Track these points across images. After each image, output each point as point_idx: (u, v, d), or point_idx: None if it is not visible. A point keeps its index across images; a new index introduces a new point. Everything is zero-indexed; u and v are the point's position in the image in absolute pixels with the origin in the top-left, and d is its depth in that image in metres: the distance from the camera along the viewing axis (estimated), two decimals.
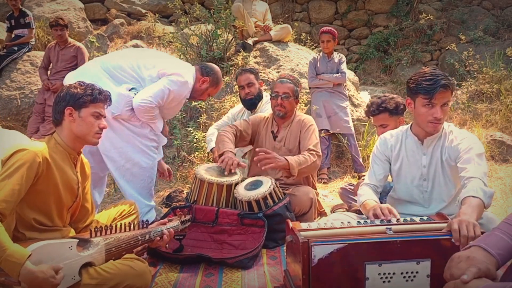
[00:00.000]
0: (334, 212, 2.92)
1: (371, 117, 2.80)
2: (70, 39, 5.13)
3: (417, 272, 1.58)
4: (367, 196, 2.06)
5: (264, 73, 4.68)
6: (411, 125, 2.14)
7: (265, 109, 3.34)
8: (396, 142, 2.16)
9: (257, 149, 2.59)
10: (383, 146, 2.20)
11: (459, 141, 1.98)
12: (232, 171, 2.62)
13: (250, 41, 4.92)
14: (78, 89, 1.85)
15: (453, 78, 2.03)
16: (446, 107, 1.95)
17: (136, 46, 6.37)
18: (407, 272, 1.58)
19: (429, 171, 2.07)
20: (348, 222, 1.78)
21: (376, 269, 1.56)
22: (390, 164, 2.19)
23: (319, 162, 2.73)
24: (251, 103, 3.39)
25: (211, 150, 3.32)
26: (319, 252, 1.55)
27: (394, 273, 1.57)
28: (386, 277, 1.57)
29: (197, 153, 3.87)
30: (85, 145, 1.95)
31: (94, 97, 1.86)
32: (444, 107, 1.93)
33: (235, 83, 4.44)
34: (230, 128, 2.89)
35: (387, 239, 1.60)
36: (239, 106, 3.59)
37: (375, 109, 2.69)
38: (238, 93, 3.59)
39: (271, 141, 2.90)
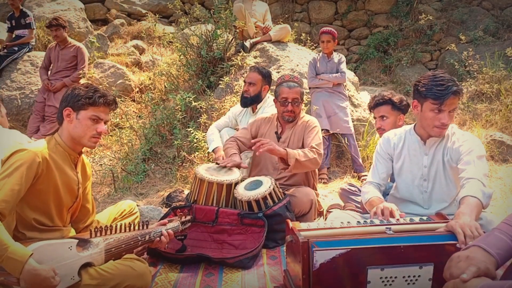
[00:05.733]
0: (329, 211, 2.93)
1: (373, 111, 2.84)
2: (70, 39, 5.14)
3: (419, 276, 1.57)
4: (372, 193, 2.08)
5: None
6: (414, 125, 2.14)
7: (266, 111, 3.35)
8: (399, 141, 2.17)
9: (252, 141, 2.62)
10: (386, 144, 2.21)
11: (461, 143, 1.98)
12: (230, 164, 2.70)
13: (247, 42, 4.93)
14: (81, 91, 1.83)
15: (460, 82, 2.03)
16: (453, 113, 1.96)
17: (136, 46, 6.38)
18: (409, 276, 1.57)
19: (430, 171, 2.08)
20: (348, 222, 1.78)
21: (378, 273, 1.55)
22: (393, 162, 2.20)
23: (319, 160, 2.72)
24: (244, 101, 3.44)
25: (213, 150, 3.32)
26: (321, 256, 1.54)
27: (396, 277, 1.56)
28: (388, 281, 1.56)
29: (197, 153, 3.87)
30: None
31: (94, 100, 1.82)
32: (451, 113, 1.94)
33: (235, 83, 4.46)
34: (232, 142, 2.94)
35: (390, 244, 1.58)
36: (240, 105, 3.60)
37: (380, 99, 2.77)
38: (239, 93, 3.61)
39: (274, 141, 2.90)
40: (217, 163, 2.83)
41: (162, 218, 2.45)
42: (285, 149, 2.59)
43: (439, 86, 1.89)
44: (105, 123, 1.90)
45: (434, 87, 1.90)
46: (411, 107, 2.13)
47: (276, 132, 2.92)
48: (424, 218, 1.83)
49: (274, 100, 2.97)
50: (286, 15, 7.58)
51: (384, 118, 2.77)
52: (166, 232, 1.96)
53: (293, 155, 2.57)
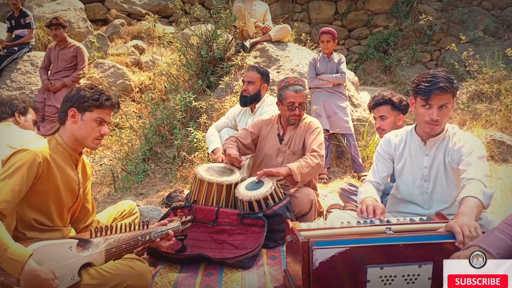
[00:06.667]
0: (329, 211, 2.93)
1: (373, 111, 2.85)
2: (70, 39, 5.14)
3: (418, 275, 1.57)
4: (367, 193, 2.08)
5: None
6: (415, 126, 2.15)
7: (265, 111, 3.35)
8: (400, 142, 2.18)
9: (258, 173, 2.60)
10: (387, 145, 2.22)
11: (462, 143, 1.99)
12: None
13: (247, 42, 4.93)
14: (87, 92, 1.83)
15: (457, 81, 2.04)
16: (445, 109, 1.96)
17: (136, 46, 6.38)
18: (408, 275, 1.57)
19: (430, 172, 2.08)
20: (348, 222, 1.78)
21: (378, 272, 1.56)
22: (394, 163, 2.20)
23: (322, 163, 2.71)
24: (243, 100, 3.43)
25: (212, 151, 3.32)
26: (320, 255, 1.54)
27: (395, 276, 1.57)
28: (388, 280, 1.57)
29: (197, 153, 3.87)
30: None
31: (100, 102, 1.83)
32: (442, 109, 1.94)
33: (235, 83, 4.46)
34: (233, 142, 2.90)
35: (390, 243, 1.58)
36: (239, 106, 3.60)
37: (380, 99, 2.79)
38: (239, 93, 3.61)
39: (276, 143, 2.90)
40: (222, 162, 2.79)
41: (162, 218, 2.46)
42: (287, 166, 2.56)
43: (426, 82, 1.92)
44: (107, 124, 1.91)
45: (422, 83, 1.94)
46: (410, 106, 2.15)
47: (278, 134, 2.92)
48: (424, 218, 1.83)
49: (277, 103, 2.95)
50: (286, 15, 7.58)
51: (384, 118, 2.79)
52: (172, 232, 1.98)
53: (297, 169, 2.56)
